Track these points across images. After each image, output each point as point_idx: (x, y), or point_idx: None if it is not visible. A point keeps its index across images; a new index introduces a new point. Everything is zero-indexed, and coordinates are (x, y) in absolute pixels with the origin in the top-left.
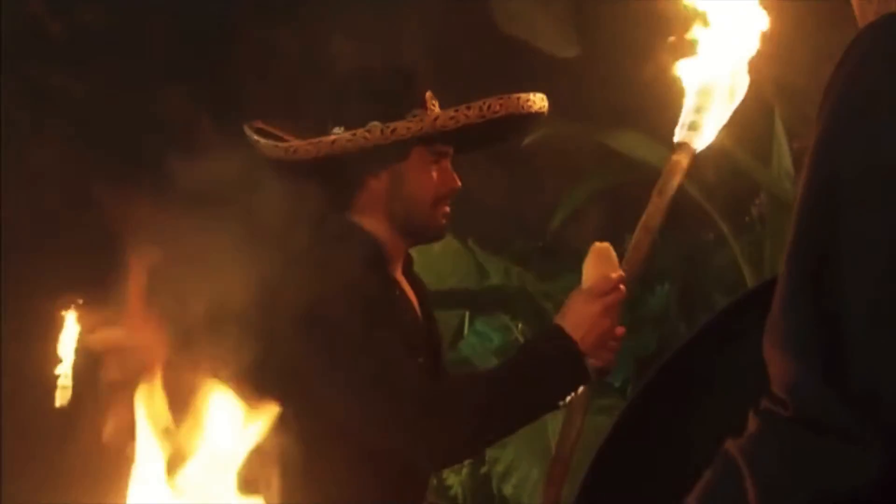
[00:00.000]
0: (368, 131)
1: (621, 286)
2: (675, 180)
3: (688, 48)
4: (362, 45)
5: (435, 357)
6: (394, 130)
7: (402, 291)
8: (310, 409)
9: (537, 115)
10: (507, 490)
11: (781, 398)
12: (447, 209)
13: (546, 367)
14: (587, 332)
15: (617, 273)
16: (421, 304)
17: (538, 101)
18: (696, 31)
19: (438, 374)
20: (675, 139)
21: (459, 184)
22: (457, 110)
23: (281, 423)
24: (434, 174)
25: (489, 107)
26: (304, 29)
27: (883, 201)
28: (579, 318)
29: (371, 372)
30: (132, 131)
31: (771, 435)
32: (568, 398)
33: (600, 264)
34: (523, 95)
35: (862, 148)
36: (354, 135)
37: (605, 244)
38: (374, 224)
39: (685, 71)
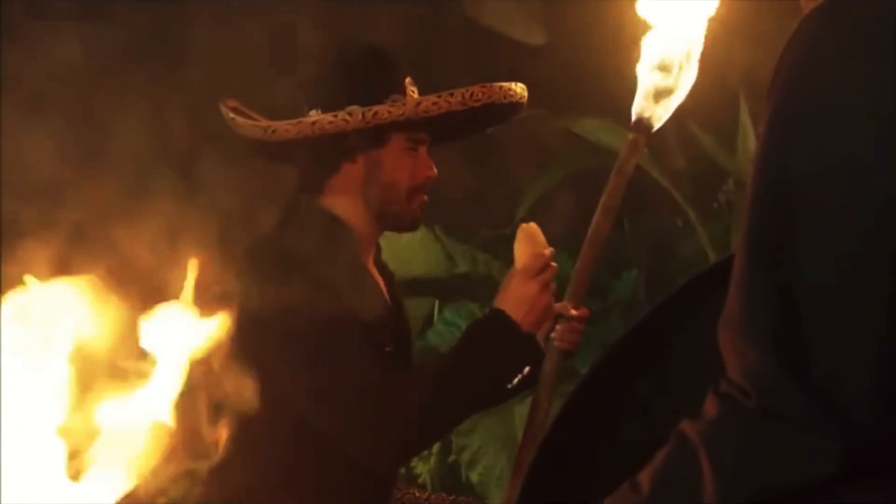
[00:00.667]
0: (349, 114)
1: (553, 263)
2: (633, 159)
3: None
4: (332, 30)
5: (403, 345)
6: (375, 114)
7: (372, 279)
8: (269, 396)
9: (517, 105)
10: (475, 477)
11: (741, 386)
12: (424, 198)
13: (491, 351)
14: (528, 311)
15: (548, 250)
16: (389, 292)
17: (519, 90)
18: (647, 9)
19: (407, 363)
20: (632, 118)
21: (436, 172)
22: (439, 96)
23: (240, 406)
24: (411, 161)
25: (472, 95)
26: (275, 13)
27: (835, 187)
28: (518, 298)
29: (329, 364)
30: (100, 115)
31: (731, 422)
32: (516, 380)
33: (530, 244)
34: (505, 84)
35: (814, 130)
36: (336, 117)
37: (532, 224)
38: (347, 209)
39: (641, 49)
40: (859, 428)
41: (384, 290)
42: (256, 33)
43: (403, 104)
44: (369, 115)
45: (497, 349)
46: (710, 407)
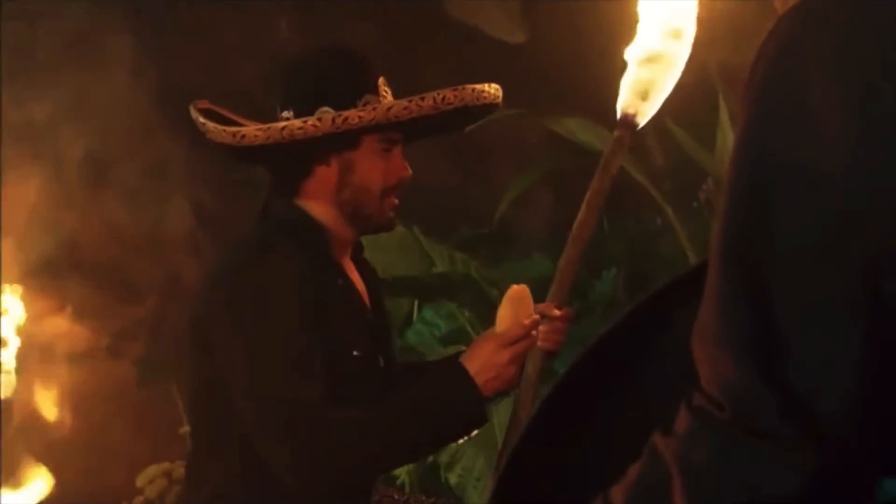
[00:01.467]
0: (319, 119)
1: (533, 332)
2: (619, 156)
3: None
4: (307, 28)
5: (381, 346)
6: (345, 119)
7: (347, 279)
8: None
9: (491, 106)
10: (453, 479)
11: (716, 398)
12: (396, 201)
13: (444, 410)
14: (491, 378)
15: (530, 319)
16: (371, 291)
17: (492, 91)
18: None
19: (387, 363)
20: (617, 114)
21: (410, 172)
22: (410, 101)
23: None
24: (384, 162)
25: (443, 98)
26: (248, 11)
27: (810, 190)
28: (486, 363)
29: (272, 377)
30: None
31: (704, 437)
32: (462, 440)
33: (515, 309)
34: (478, 87)
35: (791, 135)
36: (305, 122)
37: (522, 287)
38: (321, 210)
39: (627, 45)
40: (835, 441)
41: (362, 289)
42: (231, 31)
43: (374, 109)
44: (339, 120)
45: (451, 407)
46: (683, 421)
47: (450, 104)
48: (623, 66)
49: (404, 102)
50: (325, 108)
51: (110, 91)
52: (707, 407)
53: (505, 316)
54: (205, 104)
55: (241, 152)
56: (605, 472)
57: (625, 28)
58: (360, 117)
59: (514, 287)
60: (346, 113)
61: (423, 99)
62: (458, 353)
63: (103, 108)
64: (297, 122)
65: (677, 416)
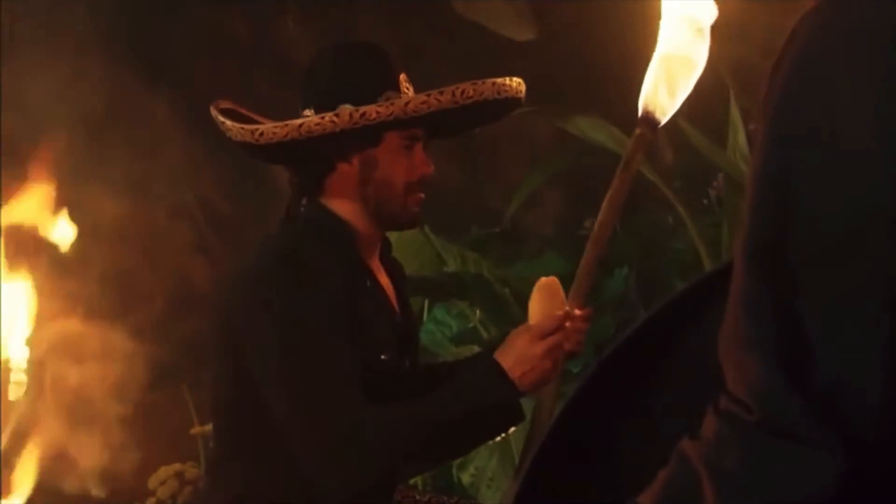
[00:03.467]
0: (337, 115)
1: (567, 324)
2: (640, 155)
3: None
4: (319, 27)
5: (406, 349)
6: (363, 115)
7: (375, 281)
8: (256, 397)
9: (513, 100)
10: (466, 479)
11: (743, 401)
12: (421, 196)
13: (480, 407)
14: (527, 372)
15: (562, 310)
16: (398, 292)
17: (514, 85)
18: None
19: (412, 366)
20: (639, 113)
21: (432, 168)
22: (429, 95)
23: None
24: (406, 159)
25: (462, 92)
26: (259, 10)
27: (836, 191)
28: (520, 357)
29: (308, 381)
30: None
31: (732, 441)
32: (499, 437)
33: (545, 301)
34: (498, 80)
35: (814, 134)
36: (323, 118)
37: (552, 279)
38: (346, 209)
39: (636, 42)
40: (863, 443)
41: (390, 290)
42: (242, 29)
43: (392, 104)
44: (357, 115)
45: (487, 403)
46: (710, 425)
47: (469, 98)
48: (634, 63)
49: (423, 97)
50: (346, 105)
51: (122, 93)
52: (735, 410)
53: (536, 308)
54: (227, 104)
55: (261, 151)
56: (632, 476)
57: (634, 25)
58: (378, 112)
59: (544, 279)
60: (364, 108)
61: (441, 93)
62: (490, 350)
63: (116, 112)
64: (315, 119)
65: (704, 419)
